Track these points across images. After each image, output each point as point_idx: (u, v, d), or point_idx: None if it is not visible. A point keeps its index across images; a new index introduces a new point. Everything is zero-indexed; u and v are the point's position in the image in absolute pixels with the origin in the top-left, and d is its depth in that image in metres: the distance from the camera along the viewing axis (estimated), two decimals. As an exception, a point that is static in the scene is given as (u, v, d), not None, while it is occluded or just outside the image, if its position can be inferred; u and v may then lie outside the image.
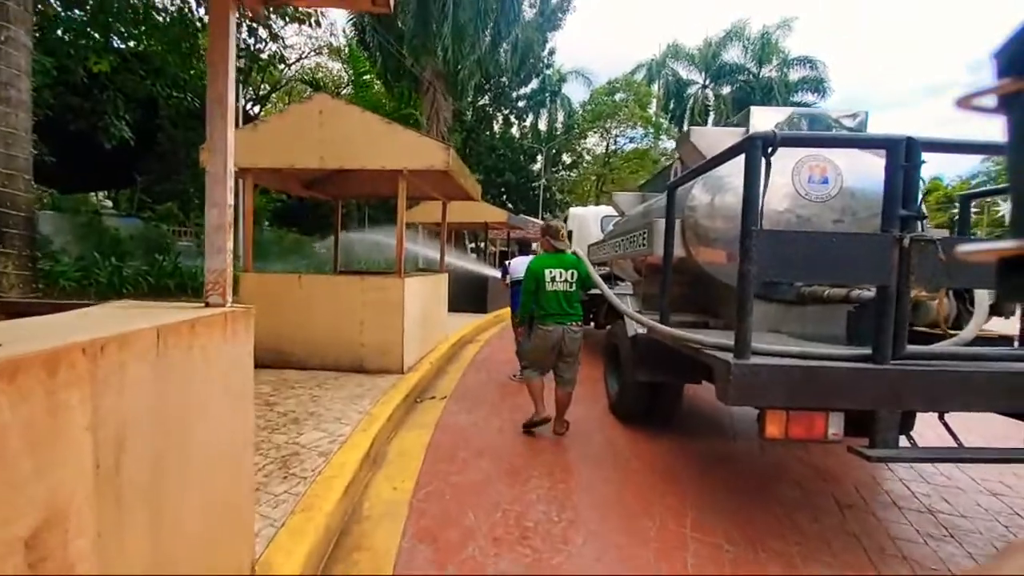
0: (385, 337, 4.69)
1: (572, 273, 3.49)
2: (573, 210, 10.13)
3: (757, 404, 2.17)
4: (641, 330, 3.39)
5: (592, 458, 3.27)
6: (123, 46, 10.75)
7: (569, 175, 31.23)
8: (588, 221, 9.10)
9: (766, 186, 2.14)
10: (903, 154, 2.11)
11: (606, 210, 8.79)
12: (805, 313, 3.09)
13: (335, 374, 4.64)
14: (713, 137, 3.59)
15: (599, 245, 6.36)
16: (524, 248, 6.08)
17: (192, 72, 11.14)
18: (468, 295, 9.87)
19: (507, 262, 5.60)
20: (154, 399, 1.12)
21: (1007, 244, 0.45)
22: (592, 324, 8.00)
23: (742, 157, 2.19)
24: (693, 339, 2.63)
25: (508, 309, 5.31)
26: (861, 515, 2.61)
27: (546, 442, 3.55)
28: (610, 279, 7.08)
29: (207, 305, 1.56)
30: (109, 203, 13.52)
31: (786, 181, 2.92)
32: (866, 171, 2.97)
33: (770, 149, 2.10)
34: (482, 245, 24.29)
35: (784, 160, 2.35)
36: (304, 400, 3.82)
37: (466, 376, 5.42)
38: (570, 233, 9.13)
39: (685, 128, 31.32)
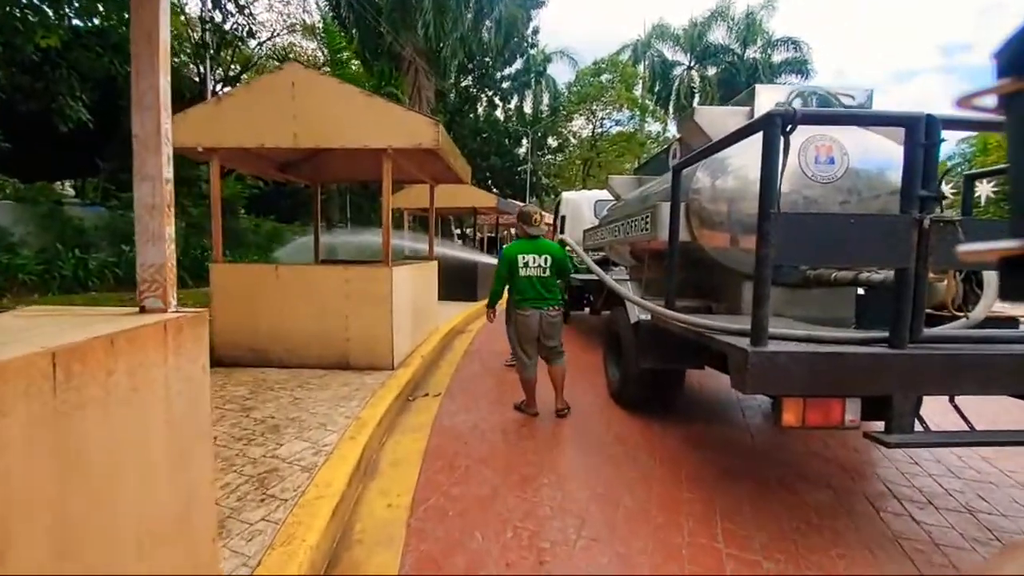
0: (372, 331, 4.34)
1: (546, 259, 3.51)
2: (566, 195, 9.77)
3: (775, 392, 2.13)
4: (644, 316, 3.33)
5: (604, 457, 3.02)
6: (78, 21, 9.92)
7: (555, 159, 30.74)
8: (581, 206, 8.86)
9: (784, 166, 2.04)
10: (923, 132, 2.02)
11: (600, 194, 8.60)
12: (810, 296, 3.03)
13: (319, 372, 4.28)
14: (718, 116, 3.48)
15: (595, 230, 6.23)
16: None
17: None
18: (457, 283, 9.51)
19: (504, 247, 5.39)
20: (51, 460, 0.78)
21: (1007, 244, 0.47)
22: (587, 310, 7.85)
23: (754, 137, 2.13)
24: (707, 325, 2.53)
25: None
26: (901, 519, 2.40)
27: (551, 440, 3.28)
28: (605, 264, 6.97)
29: (142, 311, 1.20)
30: (72, 191, 12.65)
31: (792, 161, 2.81)
32: (871, 151, 2.91)
33: (789, 127, 2.00)
34: (468, 231, 23.86)
35: (793, 141, 2.17)
36: (285, 404, 3.47)
37: (460, 370, 5.11)
38: (563, 218, 9.11)
39: (671, 110, 31.19)
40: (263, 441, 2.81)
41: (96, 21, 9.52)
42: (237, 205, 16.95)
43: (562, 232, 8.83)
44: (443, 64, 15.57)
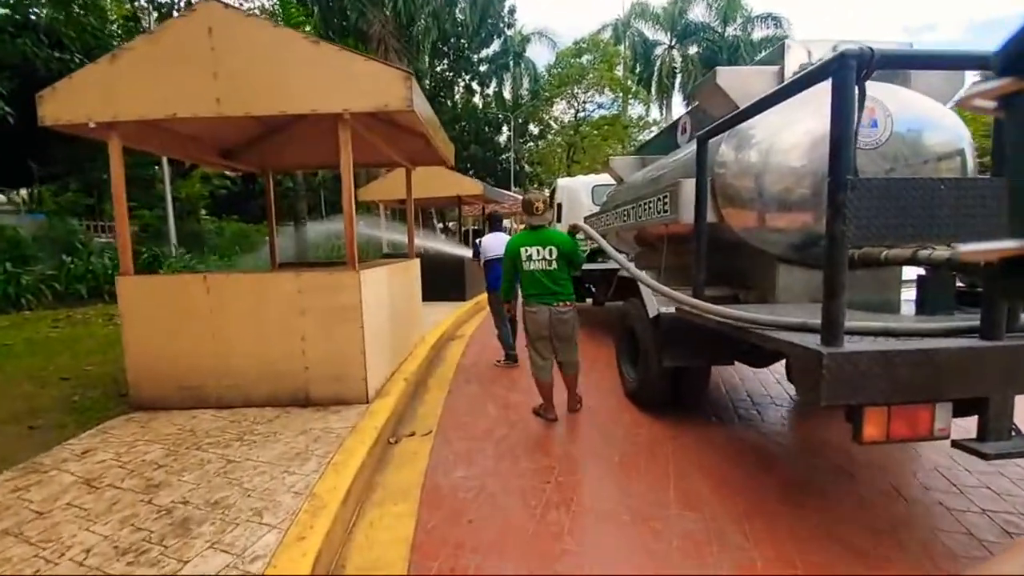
0: (338, 355, 3.33)
1: (551, 250, 3.25)
2: (561, 181, 9.19)
3: (857, 401, 1.74)
4: (665, 309, 3.03)
5: (640, 498, 2.11)
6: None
7: (537, 146, 29.64)
8: (579, 192, 8.37)
9: (859, 123, 1.70)
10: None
11: (598, 179, 8.18)
12: (853, 279, 2.56)
13: (269, 414, 3.26)
14: (744, 78, 3.06)
15: (598, 216, 5.78)
16: (496, 224, 5.34)
17: (84, 27, 8.96)
18: (443, 281, 8.47)
19: (478, 240, 5.19)
20: None
21: (1008, 244, 0.47)
22: (590, 301, 7.51)
23: (792, 100, 2.01)
24: (760, 320, 2.13)
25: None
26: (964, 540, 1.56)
27: (584, 493, 2.35)
28: (604, 252, 6.70)
29: None
30: (3, 198, 11.17)
31: (826, 125, 2.36)
32: (916, 111, 2.62)
33: (864, 72, 1.67)
34: (451, 225, 22.72)
35: (827, 100, 1.74)
36: (211, 472, 2.46)
37: (454, 392, 4.14)
38: (559, 206, 8.56)
39: (653, 91, 30.38)
40: (159, 555, 1.81)
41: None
42: (197, 205, 15.59)
43: (559, 220, 8.37)
44: (415, 43, 14.36)
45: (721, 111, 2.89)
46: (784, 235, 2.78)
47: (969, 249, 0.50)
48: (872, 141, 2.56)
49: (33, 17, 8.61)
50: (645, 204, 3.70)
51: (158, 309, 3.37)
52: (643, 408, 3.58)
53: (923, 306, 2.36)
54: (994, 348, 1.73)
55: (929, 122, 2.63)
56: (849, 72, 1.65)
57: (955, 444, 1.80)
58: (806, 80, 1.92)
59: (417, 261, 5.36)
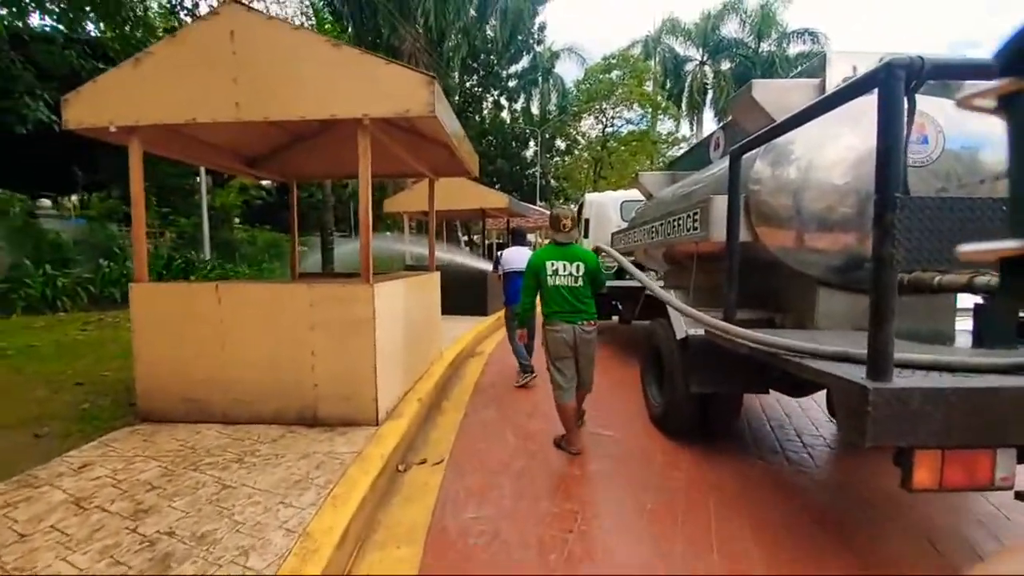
0: (349, 373, 3.13)
1: (578, 266, 3.13)
2: (589, 196, 9.01)
3: (905, 443, 1.57)
4: (694, 331, 2.90)
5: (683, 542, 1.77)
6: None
7: (563, 161, 29.55)
8: (607, 207, 8.23)
9: (908, 136, 1.60)
10: None
11: (627, 194, 8.08)
12: (900, 306, 2.33)
13: (274, 432, 3.08)
14: (781, 91, 2.92)
15: (625, 233, 5.71)
16: (519, 237, 5.22)
17: (129, 40, 9.34)
18: (464, 295, 8.28)
19: (499, 253, 5.08)
20: None
21: (1008, 244, 0.47)
22: (616, 319, 7.46)
23: (832, 114, 1.91)
24: (799, 348, 1.97)
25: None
26: None
27: (616, 550, 2.03)
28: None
29: None
30: (48, 202, 11.70)
31: (873, 141, 2.19)
32: (969, 129, 2.45)
33: (914, 83, 1.54)
34: (476, 238, 22.72)
35: (872, 115, 1.60)
36: (204, 498, 2.27)
37: (470, 415, 3.88)
38: (587, 221, 8.47)
39: (683, 107, 29.98)
40: (129, 601, 1.61)
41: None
42: (231, 215, 16.04)
43: (586, 236, 8.26)
44: (446, 59, 14.52)
45: (757, 126, 2.73)
46: (825, 256, 2.63)
47: (969, 249, 0.49)
48: (922, 158, 2.42)
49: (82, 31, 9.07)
50: (675, 221, 3.57)
51: (168, 318, 3.27)
52: (669, 435, 3.37)
53: (981, 338, 2.17)
54: None
55: (984, 139, 2.45)
56: (897, 82, 1.53)
57: (1019, 496, 1.63)
58: (851, 91, 1.79)
59: (437, 274, 5.18)
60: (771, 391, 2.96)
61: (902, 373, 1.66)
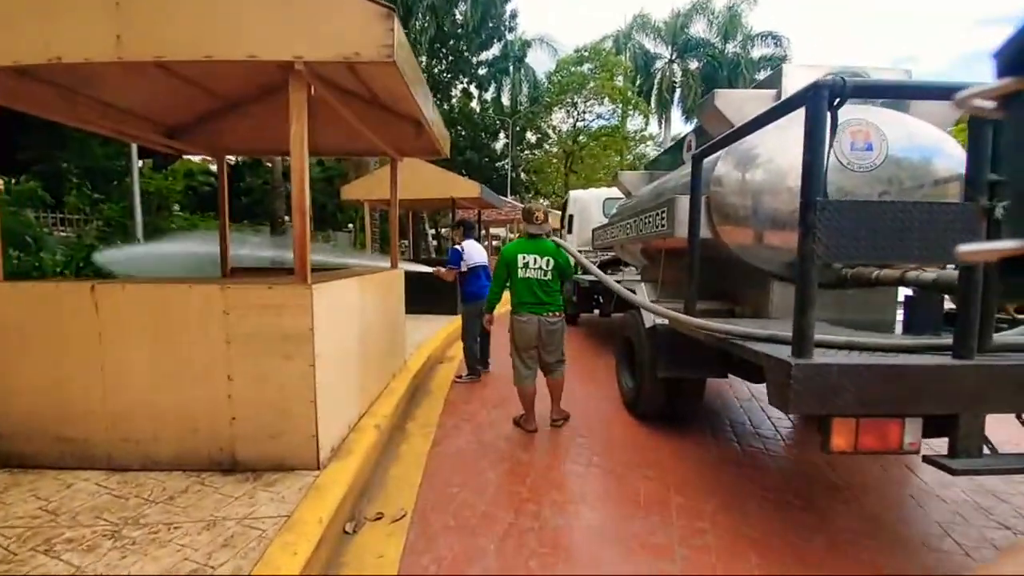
0: (278, 402, 2.38)
1: (548, 260, 3.28)
2: (573, 193, 9.27)
3: (823, 412, 1.80)
4: (661, 321, 3.06)
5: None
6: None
7: (534, 154, 28.93)
8: (590, 204, 8.49)
9: (831, 148, 1.80)
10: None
11: (609, 192, 8.26)
12: (844, 298, 2.79)
13: (178, 481, 2.29)
14: (740, 101, 3.20)
15: (604, 229, 5.95)
16: (469, 230, 5.00)
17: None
18: (431, 292, 7.52)
19: (458, 246, 4.76)
20: None
21: (1008, 244, 0.47)
22: (597, 312, 7.62)
23: (781, 121, 2.11)
24: (738, 332, 2.25)
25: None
26: None
27: None
28: (615, 264, 6.84)
29: None
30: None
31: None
32: (913, 137, 2.69)
33: (837, 101, 1.76)
34: (444, 231, 21.72)
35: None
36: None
37: (440, 445, 3.18)
38: (571, 217, 8.66)
39: (652, 104, 30.03)
40: None
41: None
42: (170, 201, 14.47)
43: (570, 232, 8.52)
44: (413, 39, 13.52)
45: (719, 131, 2.87)
46: (778, 253, 2.79)
47: (968, 249, 0.50)
48: (866, 164, 2.62)
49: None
50: (646, 218, 3.75)
51: (32, 329, 2.40)
52: (640, 419, 3.59)
53: (910, 326, 2.40)
54: (964, 366, 1.77)
55: (927, 147, 2.67)
56: (821, 101, 1.74)
57: (926, 460, 1.82)
58: (785, 106, 2.02)
59: (400, 272, 4.43)
60: (730, 376, 3.09)
61: (824, 353, 1.89)
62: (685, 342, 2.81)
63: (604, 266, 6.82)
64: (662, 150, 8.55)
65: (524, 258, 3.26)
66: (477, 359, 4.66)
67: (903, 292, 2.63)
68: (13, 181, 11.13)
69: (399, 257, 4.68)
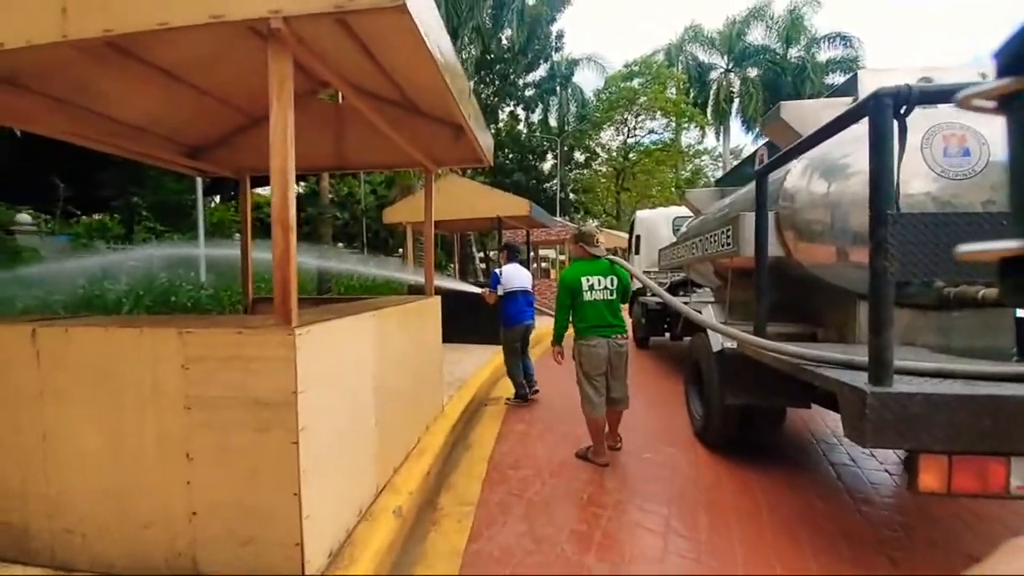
0: (250, 494, 1.70)
1: (612, 280, 3.19)
2: (640, 213, 9.07)
3: (906, 446, 1.67)
4: (729, 344, 2.95)
5: None
6: None
7: (583, 174, 28.19)
8: (658, 223, 8.20)
9: (901, 158, 1.71)
10: None
11: (679, 211, 8.00)
12: (950, 321, 2.52)
13: (113, 606, 1.66)
14: (811, 111, 3.00)
15: (671, 248, 5.74)
16: (514, 254, 4.84)
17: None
18: (473, 318, 6.83)
19: (497, 270, 4.72)
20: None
21: (1008, 244, 0.47)
22: (667, 335, 7.37)
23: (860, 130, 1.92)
24: (805, 355, 2.14)
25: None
26: None
27: None
28: (685, 285, 6.38)
29: None
30: (27, 217, 10.81)
31: (914, 156, 2.38)
32: None
33: (904, 108, 1.69)
34: (493, 254, 21.30)
35: (910, 132, 1.70)
36: None
37: (482, 539, 2.34)
38: (638, 238, 8.50)
39: (708, 116, 28.53)
40: None
41: None
42: (230, 231, 15.09)
43: (637, 253, 8.37)
44: (460, 61, 13.42)
45: (787, 144, 2.69)
46: (863, 271, 2.32)
47: (968, 249, 0.50)
48: (964, 171, 2.40)
49: None
50: (712, 237, 3.61)
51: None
52: (709, 448, 3.40)
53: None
54: None
55: None
56: (885, 109, 1.68)
57: None
58: (846, 118, 1.95)
59: (436, 300, 3.75)
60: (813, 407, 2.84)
61: (909, 380, 1.75)
62: (755, 367, 2.62)
63: (674, 287, 6.81)
64: (720, 164, 8.15)
65: (588, 280, 3.15)
66: (521, 382, 4.57)
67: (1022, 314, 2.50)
68: (98, 218, 11.92)
69: (439, 275, 4.05)
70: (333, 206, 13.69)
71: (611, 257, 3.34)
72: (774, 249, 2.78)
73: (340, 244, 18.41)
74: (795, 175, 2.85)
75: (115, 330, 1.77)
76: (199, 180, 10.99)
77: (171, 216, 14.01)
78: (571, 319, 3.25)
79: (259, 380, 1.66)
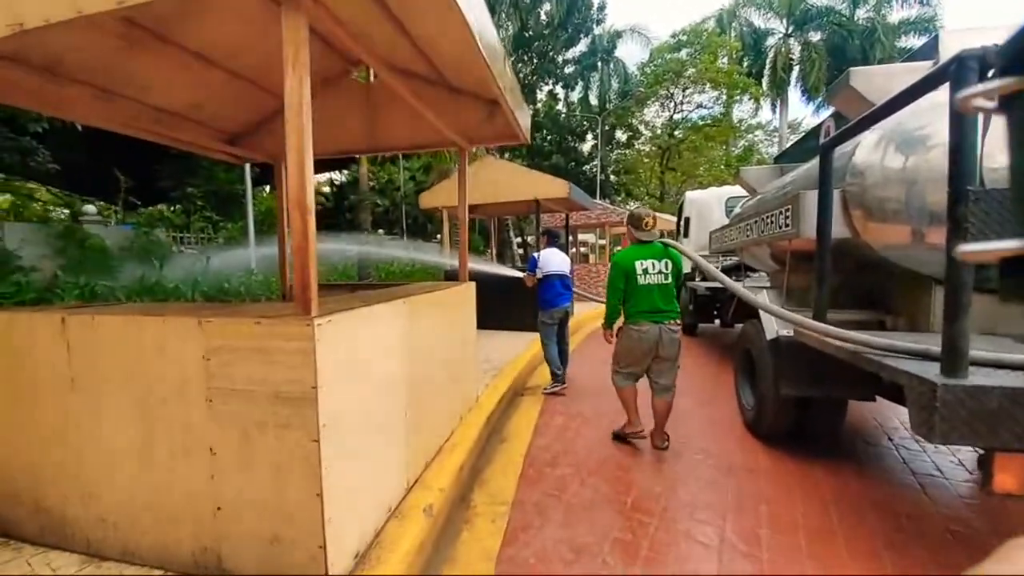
0: (273, 492, 1.61)
1: (666, 263, 3.08)
2: (690, 194, 8.51)
3: (981, 444, 1.54)
4: (785, 332, 2.81)
5: None
6: None
7: (624, 154, 27.10)
8: (711, 205, 7.73)
9: (986, 128, 1.73)
10: None
11: (731, 190, 7.62)
12: None
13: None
14: (883, 78, 2.76)
15: (723, 231, 5.34)
16: (553, 239, 4.79)
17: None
18: (514, 306, 6.68)
19: (534, 255, 4.70)
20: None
21: (1009, 244, 0.48)
22: (717, 322, 7.14)
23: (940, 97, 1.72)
24: (872, 343, 1.97)
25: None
26: None
27: None
28: (739, 270, 6.07)
29: None
30: (93, 208, 11.60)
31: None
32: None
33: (990, 73, 1.47)
34: (531, 239, 21.03)
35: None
36: None
37: (517, 543, 2.20)
38: (687, 220, 8.12)
39: (763, 87, 26.52)
40: None
41: None
42: (276, 220, 15.67)
43: (686, 236, 7.93)
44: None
45: (858, 115, 2.35)
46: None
47: (968, 249, 0.58)
48: None
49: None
50: (769, 218, 3.42)
51: (5, 370, 1.93)
52: (761, 440, 3.24)
53: None
54: None
55: None
56: (969, 75, 1.51)
57: None
58: (923, 85, 1.80)
59: (471, 287, 3.60)
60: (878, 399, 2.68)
61: (987, 372, 1.63)
62: (813, 355, 2.48)
63: (725, 272, 6.41)
64: (775, 139, 7.37)
65: (642, 264, 3.06)
66: (558, 364, 4.57)
67: None
68: (158, 207, 12.63)
69: (476, 258, 3.91)
70: (373, 193, 13.84)
71: (665, 240, 3.22)
72: (838, 230, 2.60)
73: (380, 231, 18.74)
74: (866, 148, 2.62)
75: (138, 318, 1.72)
76: (247, 169, 11.37)
77: (224, 205, 14.66)
78: (622, 303, 3.16)
79: (279, 373, 1.55)
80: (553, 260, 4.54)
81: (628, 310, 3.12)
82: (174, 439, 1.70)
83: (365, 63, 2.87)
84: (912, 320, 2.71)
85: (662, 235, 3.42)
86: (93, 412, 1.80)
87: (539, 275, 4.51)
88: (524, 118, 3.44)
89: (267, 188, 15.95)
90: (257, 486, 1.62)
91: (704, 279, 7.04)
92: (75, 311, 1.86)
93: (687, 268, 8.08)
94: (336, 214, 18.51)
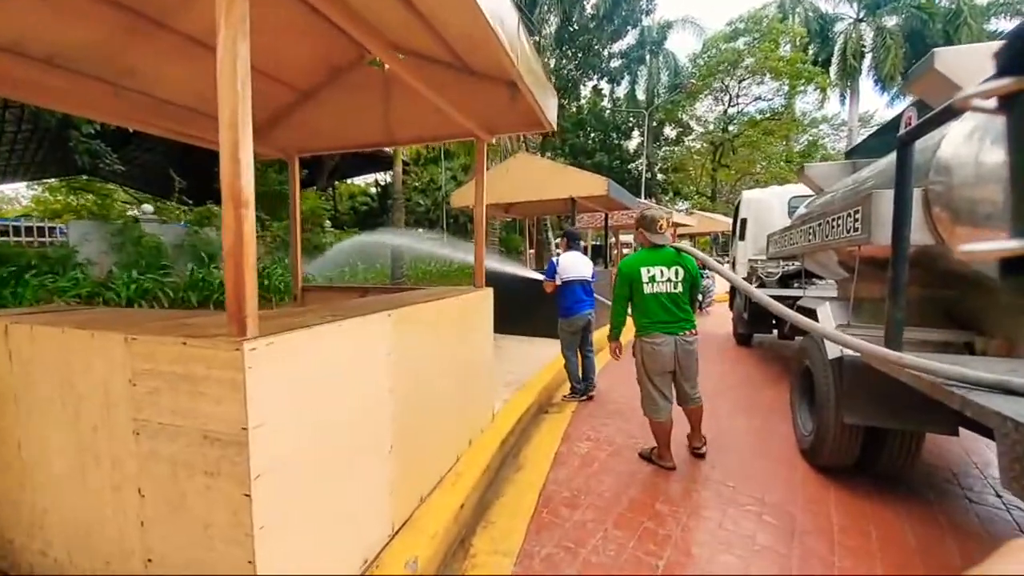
0: (203, 552, 1.32)
1: (676, 271, 2.89)
2: (748, 194, 8.03)
3: None
4: (849, 352, 2.40)
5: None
6: None
7: (673, 152, 25.84)
8: (771, 205, 7.12)
9: None
10: None
11: (795, 189, 6.98)
12: None
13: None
14: (974, 59, 2.26)
15: (783, 234, 4.84)
16: (573, 241, 4.56)
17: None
18: (541, 311, 6.24)
19: (554, 259, 4.42)
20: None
21: (1009, 244, 0.58)
22: (775, 333, 6.48)
23: None
24: (950, 374, 1.63)
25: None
26: None
27: None
28: (798, 276, 5.64)
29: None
30: (150, 208, 12.28)
31: None
32: None
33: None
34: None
35: None
36: None
37: None
38: (743, 222, 7.62)
39: (831, 77, 24.41)
40: None
41: None
42: (321, 219, 16.08)
43: (742, 239, 7.44)
44: (536, 25, 12.56)
45: (945, 103, 1.95)
46: None
47: (968, 249, 0.60)
48: None
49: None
50: (835, 220, 3.00)
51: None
52: (818, 470, 2.89)
53: None
54: None
55: None
56: None
57: None
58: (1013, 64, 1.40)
59: (487, 293, 3.23)
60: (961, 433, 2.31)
61: None
62: (884, 380, 2.14)
63: (786, 278, 6.04)
64: (843, 133, 6.51)
65: (649, 271, 2.89)
66: (577, 377, 4.32)
67: None
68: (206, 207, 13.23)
69: (510, 261, 3.57)
70: (416, 192, 13.83)
71: (677, 245, 3.01)
72: (919, 235, 2.29)
73: (420, 230, 18.86)
74: (955, 141, 2.28)
75: (70, 331, 1.48)
76: (296, 168, 11.59)
77: (272, 204, 15.18)
78: (630, 313, 3.00)
79: (206, 406, 1.25)
80: (574, 265, 4.22)
81: (638, 321, 2.93)
82: (104, 473, 1.45)
83: (367, 47, 2.60)
84: (1010, 343, 2.35)
85: (717, 238, 3.03)
86: (34, 433, 1.59)
87: (559, 281, 4.20)
88: (549, 101, 3.04)
89: (313, 188, 16.42)
90: (188, 541, 1.33)
91: (762, 285, 6.35)
92: (20, 318, 1.66)
93: (742, 273, 7.42)
94: (381, 214, 18.86)
